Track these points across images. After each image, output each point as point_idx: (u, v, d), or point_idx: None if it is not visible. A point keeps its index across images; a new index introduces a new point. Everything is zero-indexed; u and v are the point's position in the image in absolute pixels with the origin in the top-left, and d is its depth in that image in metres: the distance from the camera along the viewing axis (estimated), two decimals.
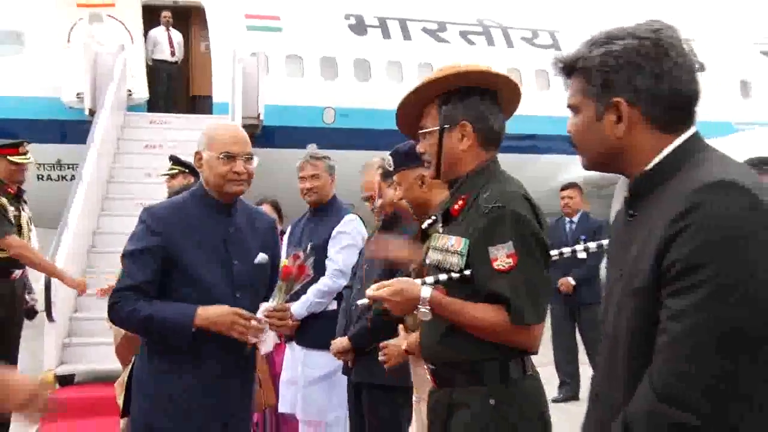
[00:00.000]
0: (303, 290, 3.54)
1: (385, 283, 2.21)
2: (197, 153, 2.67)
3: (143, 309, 2.51)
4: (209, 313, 2.50)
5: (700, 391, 1.24)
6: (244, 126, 9.83)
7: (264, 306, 2.61)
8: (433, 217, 2.65)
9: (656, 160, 1.45)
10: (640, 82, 1.43)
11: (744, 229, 1.27)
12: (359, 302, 2.49)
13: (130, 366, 3.12)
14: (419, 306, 2.12)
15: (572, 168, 9.73)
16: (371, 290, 2.21)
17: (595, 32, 1.51)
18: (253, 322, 2.54)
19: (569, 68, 1.54)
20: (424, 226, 2.64)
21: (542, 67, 11.63)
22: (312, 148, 4.15)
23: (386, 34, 11.87)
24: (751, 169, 1.39)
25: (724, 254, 1.26)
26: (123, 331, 3.31)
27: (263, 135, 10.23)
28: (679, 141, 1.45)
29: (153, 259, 2.56)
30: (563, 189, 6.74)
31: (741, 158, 1.03)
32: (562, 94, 1.62)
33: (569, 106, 1.56)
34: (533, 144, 11.48)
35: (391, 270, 2.96)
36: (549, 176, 11.04)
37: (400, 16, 12.11)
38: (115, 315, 2.61)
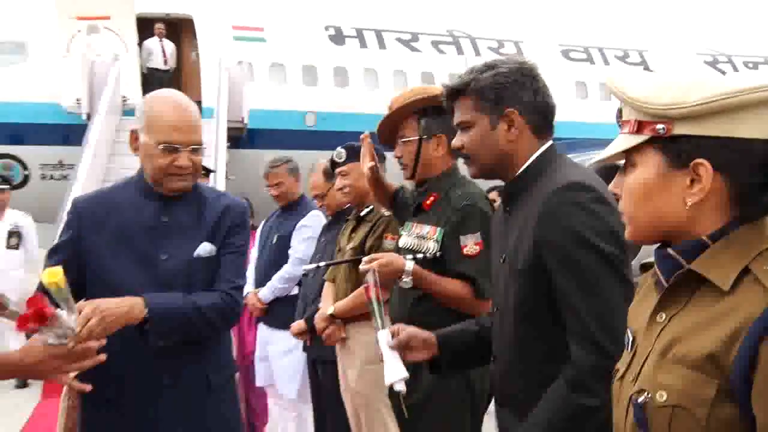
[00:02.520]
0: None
1: (376, 255, 2.53)
2: (132, 132, 2.14)
3: None
4: None
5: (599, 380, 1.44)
6: (230, 129, 10.69)
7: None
8: (370, 207, 3.23)
9: (525, 165, 1.73)
10: (525, 95, 1.73)
11: (592, 221, 1.54)
12: (309, 267, 3.16)
13: None
14: (403, 276, 2.44)
15: None
16: (364, 262, 2.47)
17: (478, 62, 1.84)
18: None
19: (456, 93, 1.80)
20: (363, 213, 3.21)
21: None
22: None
23: (363, 43, 12.64)
24: (592, 172, 1.69)
25: (581, 246, 1.53)
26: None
27: (248, 137, 10.96)
28: (543, 148, 1.75)
29: (62, 256, 2.09)
30: (488, 191, 7.31)
31: None
32: None
33: (459, 124, 1.81)
34: None
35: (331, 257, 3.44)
36: None
37: (376, 27, 12.88)
38: None
